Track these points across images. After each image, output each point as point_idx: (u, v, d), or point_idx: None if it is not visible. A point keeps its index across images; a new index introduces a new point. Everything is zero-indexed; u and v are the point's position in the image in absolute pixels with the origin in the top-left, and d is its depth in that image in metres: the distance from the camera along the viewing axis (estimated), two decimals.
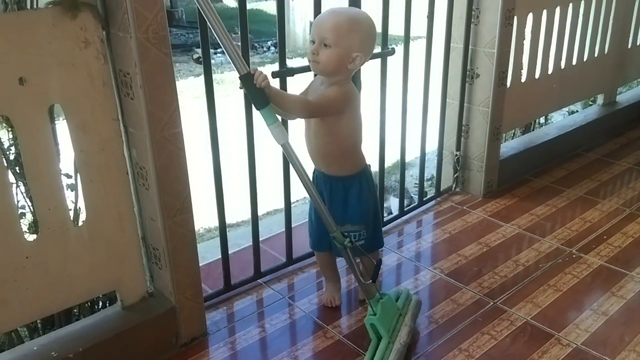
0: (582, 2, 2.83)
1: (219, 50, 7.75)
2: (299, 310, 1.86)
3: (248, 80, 1.42)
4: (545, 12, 2.61)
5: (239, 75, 1.42)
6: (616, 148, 3.14)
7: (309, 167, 1.72)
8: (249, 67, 1.43)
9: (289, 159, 1.52)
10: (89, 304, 1.72)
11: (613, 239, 2.26)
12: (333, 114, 1.58)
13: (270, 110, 1.46)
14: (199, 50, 1.63)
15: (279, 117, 1.51)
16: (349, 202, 1.70)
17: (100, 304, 1.75)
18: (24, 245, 1.37)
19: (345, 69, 1.56)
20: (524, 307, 1.86)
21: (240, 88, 1.60)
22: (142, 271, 1.61)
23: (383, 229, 2.32)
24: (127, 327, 1.56)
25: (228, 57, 1.40)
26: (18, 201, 1.45)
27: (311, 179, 1.73)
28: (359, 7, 1.89)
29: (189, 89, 5.81)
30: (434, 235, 2.31)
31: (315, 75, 1.69)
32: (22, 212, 1.47)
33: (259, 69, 1.44)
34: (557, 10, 2.68)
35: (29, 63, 1.27)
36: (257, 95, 1.43)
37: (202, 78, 1.66)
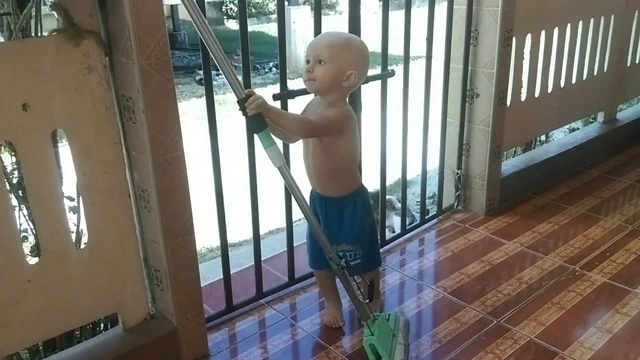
0: (580, 22, 2.86)
1: (220, 72, 7.84)
2: (301, 330, 1.86)
3: (243, 105, 1.44)
4: (543, 32, 2.63)
5: (237, 100, 1.44)
6: (617, 165, 3.14)
7: (307, 187, 1.74)
8: (245, 90, 1.45)
9: (285, 181, 1.54)
10: (90, 326, 1.72)
11: (616, 255, 2.25)
12: (332, 134, 1.61)
13: (267, 133, 1.48)
14: (201, 72, 1.66)
15: (277, 140, 1.53)
16: (343, 222, 1.71)
17: (102, 326, 1.75)
18: (26, 269, 1.38)
19: (340, 87, 1.58)
20: (528, 326, 1.85)
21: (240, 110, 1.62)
22: (143, 293, 1.62)
23: (385, 247, 2.33)
24: (129, 349, 1.56)
25: (227, 81, 1.42)
26: (20, 224, 1.46)
27: (308, 199, 1.76)
28: (359, 28, 1.93)
29: (191, 110, 5.85)
30: (437, 254, 2.31)
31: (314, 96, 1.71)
32: (24, 236, 1.48)
33: (257, 91, 1.46)
34: (556, 30, 2.71)
35: (33, 89, 1.30)
36: (253, 118, 1.45)
37: (204, 99, 1.68)
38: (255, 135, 1.51)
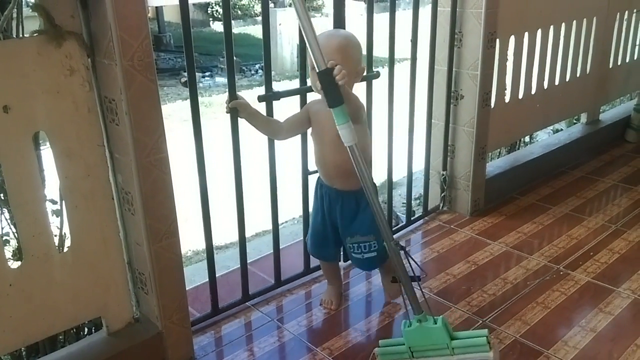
0: (563, 24, 2.89)
1: (206, 74, 7.81)
2: (287, 332, 1.86)
3: (326, 76, 1.44)
4: (526, 34, 2.66)
5: (317, 71, 1.44)
6: (600, 165, 3.18)
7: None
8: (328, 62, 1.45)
9: (354, 161, 1.52)
10: (74, 330, 1.71)
11: (599, 255, 2.27)
12: (360, 121, 1.65)
13: (344, 109, 1.47)
14: (186, 74, 1.65)
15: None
16: (358, 214, 1.78)
17: (86, 330, 1.73)
18: (8, 273, 1.36)
19: (352, 84, 1.66)
20: (513, 325, 1.86)
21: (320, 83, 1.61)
22: (127, 296, 1.60)
23: None
24: (113, 354, 1.54)
25: (309, 51, 1.43)
26: (2, 228, 1.44)
27: (318, 196, 1.85)
28: (344, 29, 1.93)
29: (177, 112, 5.81)
30: (423, 255, 2.32)
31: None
32: (6, 239, 1.46)
33: (243, 94, 1.47)
34: (539, 32, 2.74)
35: (14, 91, 1.28)
36: (332, 92, 1.44)
37: (189, 102, 1.67)
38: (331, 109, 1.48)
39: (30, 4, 1.33)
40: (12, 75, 1.28)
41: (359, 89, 2.05)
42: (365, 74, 2.06)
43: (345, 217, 1.79)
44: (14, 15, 1.39)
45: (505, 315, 1.91)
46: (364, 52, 2.07)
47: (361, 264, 1.87)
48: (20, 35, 1.41)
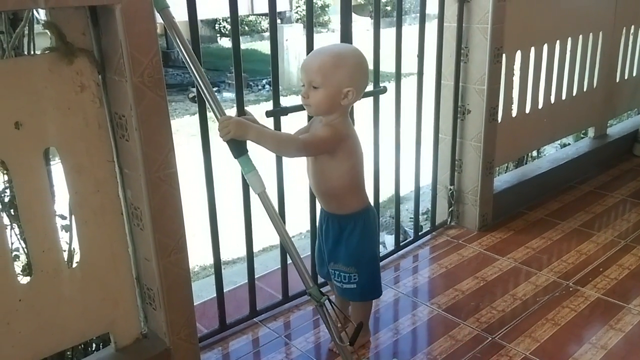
0: (569, 39, 2.90)
1: (214, 89, 7.88)
2: (295, 349, 1.84)
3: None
4: (533, 49, 2.67)
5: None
6: (609, 180, 3.16)
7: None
8: (223, 115, 1.45)
9: (265, 208, 1.48)
10: (82, 346, 1.70)
11: (609, 271, 2.25)
12: (322, 153, 1.59)
13: (248, 158, 1.44)
14: (195, 90, 1.66)
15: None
16: (341, 242, 1.68)
17: (94, 346, 1.72)
18: (17, 288, 1.37)
19: (339, 106, 1.55)
20: (523, 342, 1.84)
21: None
22: (136, 312, 1.60)
23: (380, 264, 2.32)
24: None
25: (208, 105, 1.44)
26: (12, 243, 1.44)
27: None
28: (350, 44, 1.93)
29: (184, 127, 5.86)
30: (431, 270, 2.30)
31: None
32: (15, 255, 1.46)
33: (250, 109, 1.46)
34: (545, 47, 2.75)
35: (25, 108, 1.29)
36: (231, 142, 1.42)
37: (197, 117, 1.69)
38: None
39: (42, 22, 1.35)
40: (23, 92, 1.29)
41: (364, 104, 2.06)
42: (372, 89, 2.09)
43: (329, 239, 1.71)
44: (26, 32, 1.41)
45: (515, 332, 1.89)
46: (371, 66, 2.09)
47: (341, 293, 1.75)
48: (32, 53, 1.42)
